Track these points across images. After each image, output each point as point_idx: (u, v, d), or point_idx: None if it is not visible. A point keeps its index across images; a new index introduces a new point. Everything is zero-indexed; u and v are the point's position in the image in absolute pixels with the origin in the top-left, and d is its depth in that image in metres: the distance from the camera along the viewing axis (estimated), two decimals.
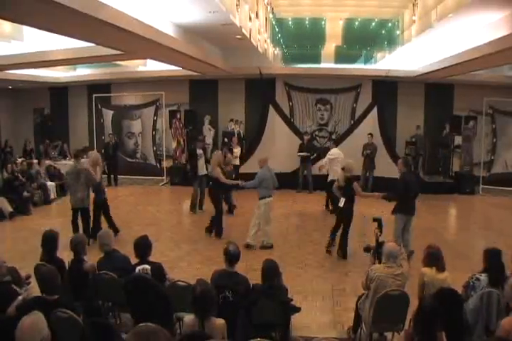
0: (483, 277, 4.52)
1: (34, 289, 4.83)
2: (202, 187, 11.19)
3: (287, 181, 11.93)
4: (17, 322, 3.16)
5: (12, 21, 8.07)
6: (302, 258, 8.09)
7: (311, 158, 13.67)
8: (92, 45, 9.52)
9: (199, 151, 11.30)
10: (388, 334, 4.91)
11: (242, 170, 13.33)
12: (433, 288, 4.50)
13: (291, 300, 4.75)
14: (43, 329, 3.17)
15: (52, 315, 3.74)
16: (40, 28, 7.93)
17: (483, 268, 4.65)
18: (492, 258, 4.61)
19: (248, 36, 11.48)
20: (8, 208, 10.70)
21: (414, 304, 4.37)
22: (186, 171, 12.53)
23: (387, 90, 15.04)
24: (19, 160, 13.83)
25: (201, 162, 11.28)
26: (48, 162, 14.47)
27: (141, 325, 2.94)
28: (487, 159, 15.13)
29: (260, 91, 15.08)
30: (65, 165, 13.84)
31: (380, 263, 4.95)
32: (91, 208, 8.90)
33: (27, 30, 9.95)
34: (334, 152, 11.48)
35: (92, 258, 5.36)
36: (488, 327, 4.28)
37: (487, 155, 15.17)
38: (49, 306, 3.79)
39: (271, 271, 4.50)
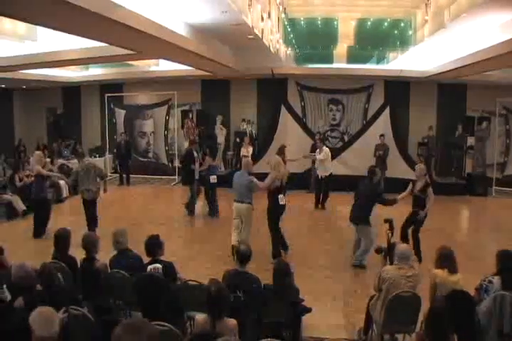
0: (496, 280, 4.47)
1: None
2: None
3: (299, 181, 11.92)
4: (26, 314, 3.15)
5: (26, 22, 8.12)
6: (313, 258, 8.08)
7: None
8: (105, 45, 9.55)
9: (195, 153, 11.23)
10: (399, 336, 4.88)
11: (254, 169, 13.30)
12: (445, 289, 4.44)
13: (303, 300, 4.74)
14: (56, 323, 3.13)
15: (64, 312, 3.77)
16: (53, 29, 7.98)
17: (496, 270, 4.61)
18: (505, 261, 4.57)
19: (260, 36, 11.46)
20: (22, 206, 10.84)
21: (426, 306, 4.34)
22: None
23: (399, 91, 14.95)
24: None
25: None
26: (60, 161, 14.60)
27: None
28: (500, 160, 14.97)
29: (272, 91, 15.06)
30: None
31: (391, 264, 4.93)
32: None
33: (40, 31, 10.04)
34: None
35: (104, 256, 5.38)
36: (501, 330, 4.24)
37: (500, 157, 15.01)
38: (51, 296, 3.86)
39: (282, 271, 4.49)
